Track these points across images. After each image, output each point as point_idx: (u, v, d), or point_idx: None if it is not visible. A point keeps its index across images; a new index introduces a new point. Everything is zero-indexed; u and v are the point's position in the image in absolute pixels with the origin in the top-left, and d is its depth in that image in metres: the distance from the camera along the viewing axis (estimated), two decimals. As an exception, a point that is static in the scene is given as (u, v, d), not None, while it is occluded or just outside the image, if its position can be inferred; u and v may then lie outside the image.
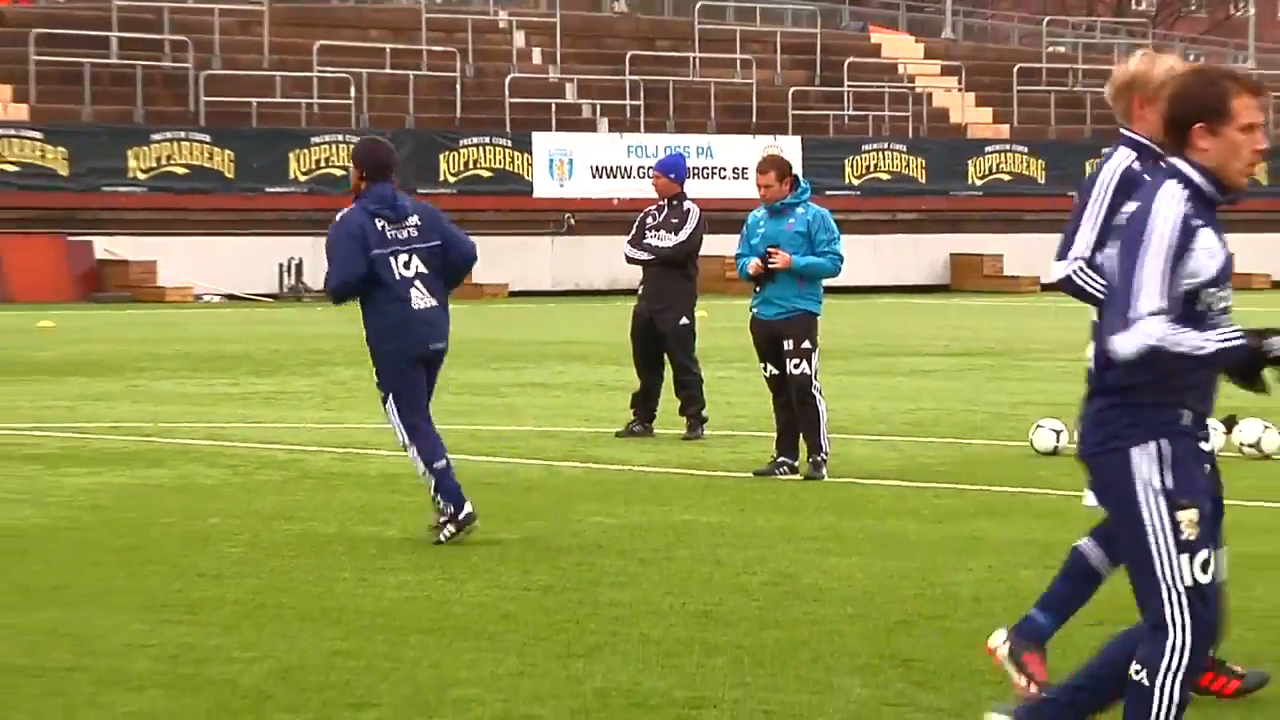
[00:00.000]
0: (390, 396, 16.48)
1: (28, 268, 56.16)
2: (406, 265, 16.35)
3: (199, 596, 14.07)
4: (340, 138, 63.11)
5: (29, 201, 57.29)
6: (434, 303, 16.45)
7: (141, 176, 59.87)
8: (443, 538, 16.21)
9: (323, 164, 62.63)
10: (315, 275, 59.87)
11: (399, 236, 16.36)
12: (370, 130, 63.29)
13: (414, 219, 16.46)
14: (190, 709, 10.82)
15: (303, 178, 62.23)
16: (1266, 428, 21.35)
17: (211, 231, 59.43)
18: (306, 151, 62.50)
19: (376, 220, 16.29)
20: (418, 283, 16.38)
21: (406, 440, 16.50)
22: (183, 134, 61.48)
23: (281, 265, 59.81)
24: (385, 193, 16.45)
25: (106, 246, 57.67)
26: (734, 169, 60.35)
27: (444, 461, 16.42)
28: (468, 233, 17.21)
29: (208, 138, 61.99)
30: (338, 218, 16.69)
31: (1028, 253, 67.81)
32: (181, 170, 60.71)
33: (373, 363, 16.59)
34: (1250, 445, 21.27)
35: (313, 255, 60.13)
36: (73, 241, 57.06)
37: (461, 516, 16.22)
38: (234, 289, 57.89)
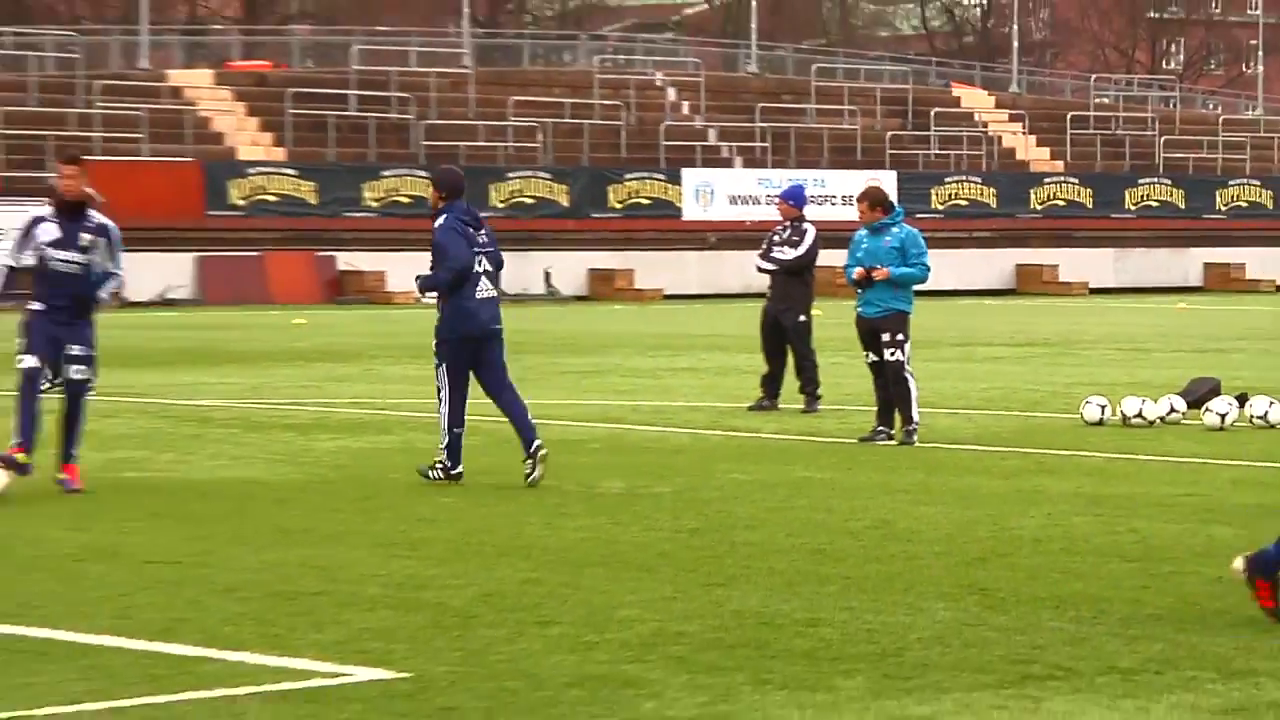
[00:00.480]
0: (443, 365, 16.92)
1: (285, 277, 56.59)
2: (480, 264, 16.97)
3: (419, 536, 14.12)
4: (530, 174, 63.33)
5: (286, 225, 57.68)
6: (494, 294, 17.14)
7: (374, 205, 60.12)
8: (430, 476, 16.70)
9: (515, 194, 62.77)
10: (508, 282, 60.18)
11: (478, 241, 17.04)
12: (553, 167, 63.73)
13: (484, 230, 17.21)
14: (411, 625, 10.84)
15: (500, 205, 62.26)
16: (1272, 403, 21.15)
17: (428, 248, 59.58)
18: (503, 184, 62.64)
19: (463, 226, 16.98)
20: (484, 279, 17.01)
21: (445, 398, 16.84)
22: (406, 171, 61.71)
23: (483, 274, 59.95)
24: (468, 208, 17.26)
25: (346, 260, 58.02)
26: (843, 197, 60.01)
27: (461, 429, 16.82)
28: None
29: (426, 174, 62.19)
30: (436, 225, 17.18)
31: (1077, 263, 67.87)
32: (405, 199, 60.92)
33: (435, 337, 17.05)
34: (1259, 418, 21.06)
35: (511, 266, 60.35)
36: (320, 256, 57.42)
37: (454, 472, 16.74)
38: (446, 293, 58.04)
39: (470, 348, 16.90)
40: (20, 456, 15.44)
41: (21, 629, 10.75)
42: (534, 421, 16.89)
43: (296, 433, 21.09)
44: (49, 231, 15.70)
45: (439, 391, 16.93)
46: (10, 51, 64.33)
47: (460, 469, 16.76)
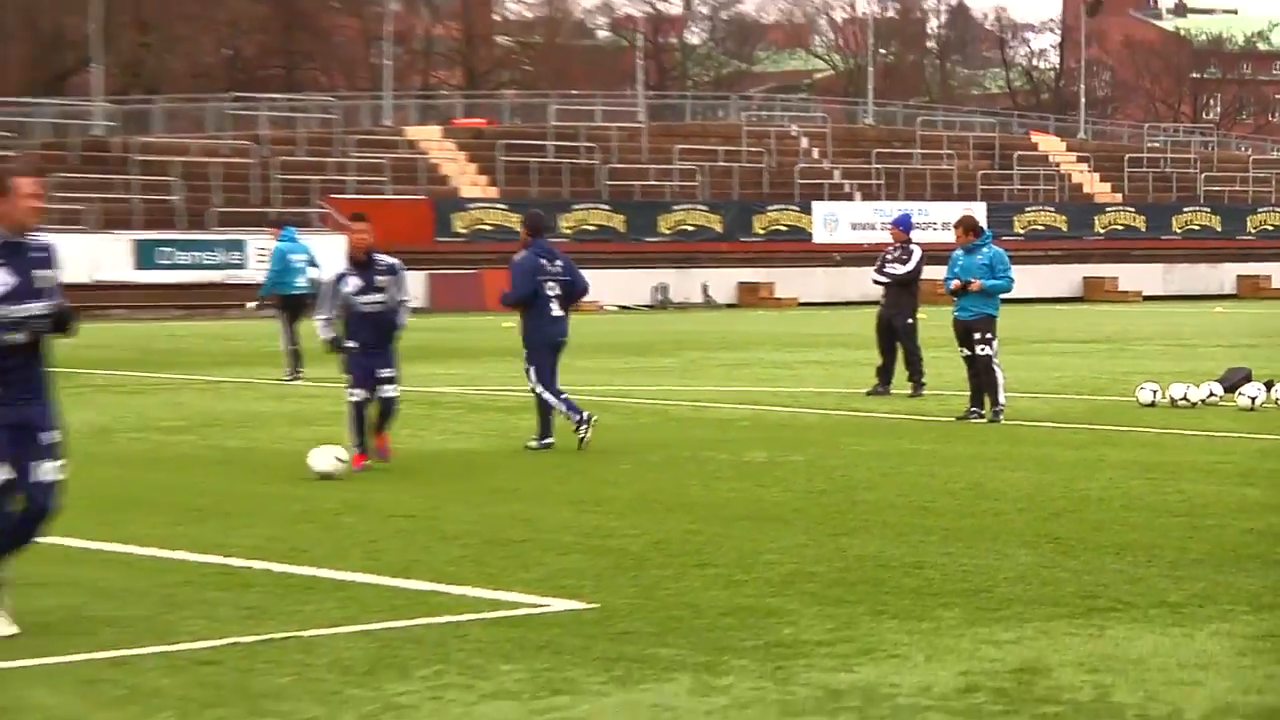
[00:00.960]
0: (533, 367, 17.29)
1: (498, 290, 56.30)
2: (551, 289, 17.40)
3: (603, 495, 14.14)
4: (690, 206, 63.45)
5: (498, 248, 56.76)
6: (563, 313, 17.53)
7: (567, 231, 60.23)
8: (585, 435, 17.10)
9: (679, 223, 62.88)
10: (675, 294, 60.24)
11: (550, 270, 17.47)
12: (709, 201, 63.82)
13: (559, 262, 17.65)
14: (597, 566, 10.86)
15: (667, 231, 62.46)
16: (1297, 388, 20.97)
17: (610, 266, 59.78)
18: (669, 214, 62.79)
19: (541, 260, 17.42)
20: (554, 300, 17.39)
21: (545, 389, 17.20)
22: (591, 205, 61.94)
23: (653, 287, 60.02)
24: (546, 244, 17.84)
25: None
26: (941, 223, 59.56)
27: (567, 398, 17.41)
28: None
29: (608, 207, 62.41)
30: (516, 257, 17.69)
31: (1133, 276, 67.30)
32: (591, 227, 61.14)
33: (524, 345, 17.37)
34: (1284, 400, 20.85)
35: (675, 280, 60.60)
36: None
37: (585, 416, 17.16)
38: (623, 302, 58.13)
39: (541, 355, 17.37)
40: (366, 462, 15.68)
41: (293, 568, 10.87)
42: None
43: (506, 413, 21.16)
44: (352, 284, 15.68)
45: (537, 386, 17.24)
46: (284, 113, 65.05)
47: (585, 413, 17.28)
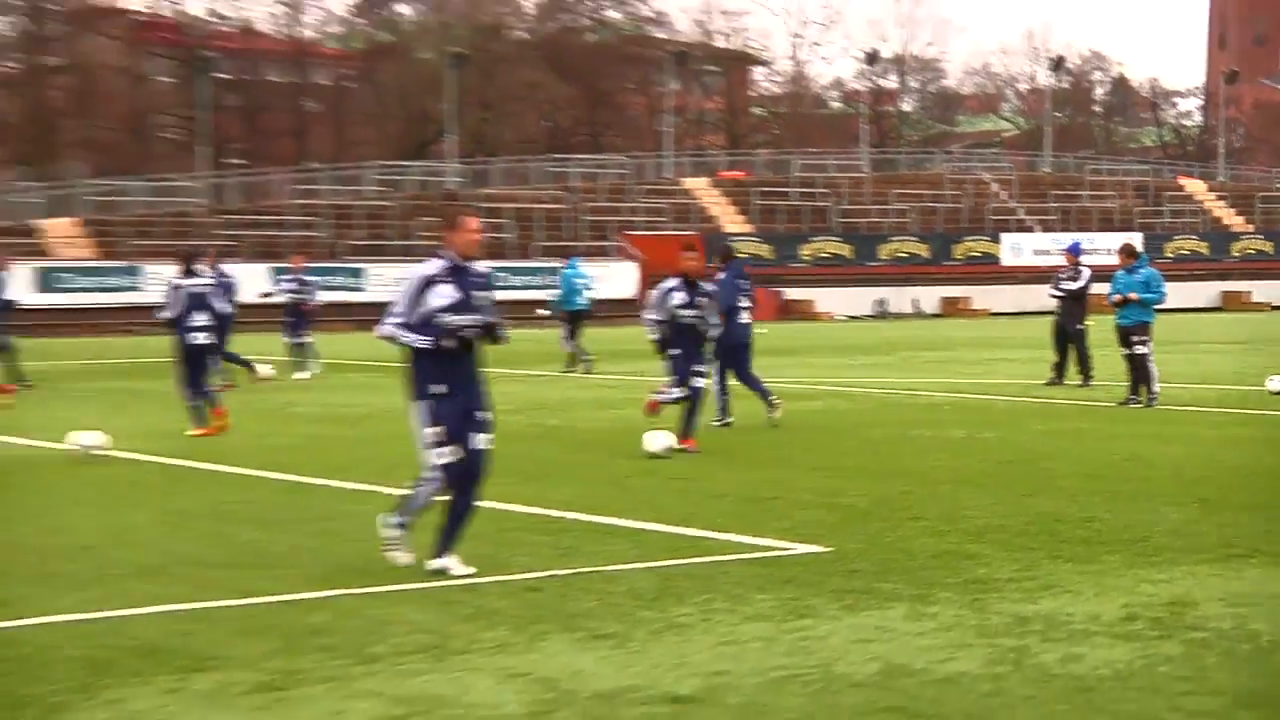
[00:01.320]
0: (720, 367, 17.18)
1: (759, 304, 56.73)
2: (743, 301, 17.52)
3: (836, 463, 14.02)
4: (904, 238, 62.90)
5: (755, 271, 57.01)
6: (750, 320, 17.64)
7: (806, 258, 60.13)
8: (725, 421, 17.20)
9: (895, 251, 62.38)
10: (892, 306, 59.65)
11: (743, 289, 17.56)
12: (919, 233, 63.20)
13: (747, 282, 17.72)
14: (832, 519, 10.76)
15: (885, 257, 61.97)
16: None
17: (840, 284, 59.61)
18: (888, 244, 62.33)
19: (737, 280, 17.54)
20: (745, 311, 17.51)
21: (719, 389, 17.22)
22: (825, 238, 61.70)
23: (875, 301, 59.57)
24: (739, 267, 17.98)
25: (788, 295, 57.97)
26: (1106, 249, 58.33)
27: (728, 395, 17.38)
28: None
29: (839, 238, 62.09)
30: (719, 278, 17.23)
31: (1264, 290, 65.38)
32: (826, 255, 60.90)
33: (716, 344, 16.09)
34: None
35: (892, 295, 60.01)
36: (774, 290, 57.34)
37: (726, 421, 17.30)
38: (851, 313, 57.80)
39: (735, 351, 17.32)
40: (692, 446, 14.97)
41: (597, 518, 10.95)
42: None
43: (753, 400, 21.07)
44: (678, 298, 15.18)
45: (714, 382, 16.95)
46: (589, 169, 65.79)
47: (730, 419, 17.35)
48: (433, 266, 8.86)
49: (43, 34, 69.79)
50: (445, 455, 8.77)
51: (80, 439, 14.65)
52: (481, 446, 8.85)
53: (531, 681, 6.59)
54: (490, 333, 8.84)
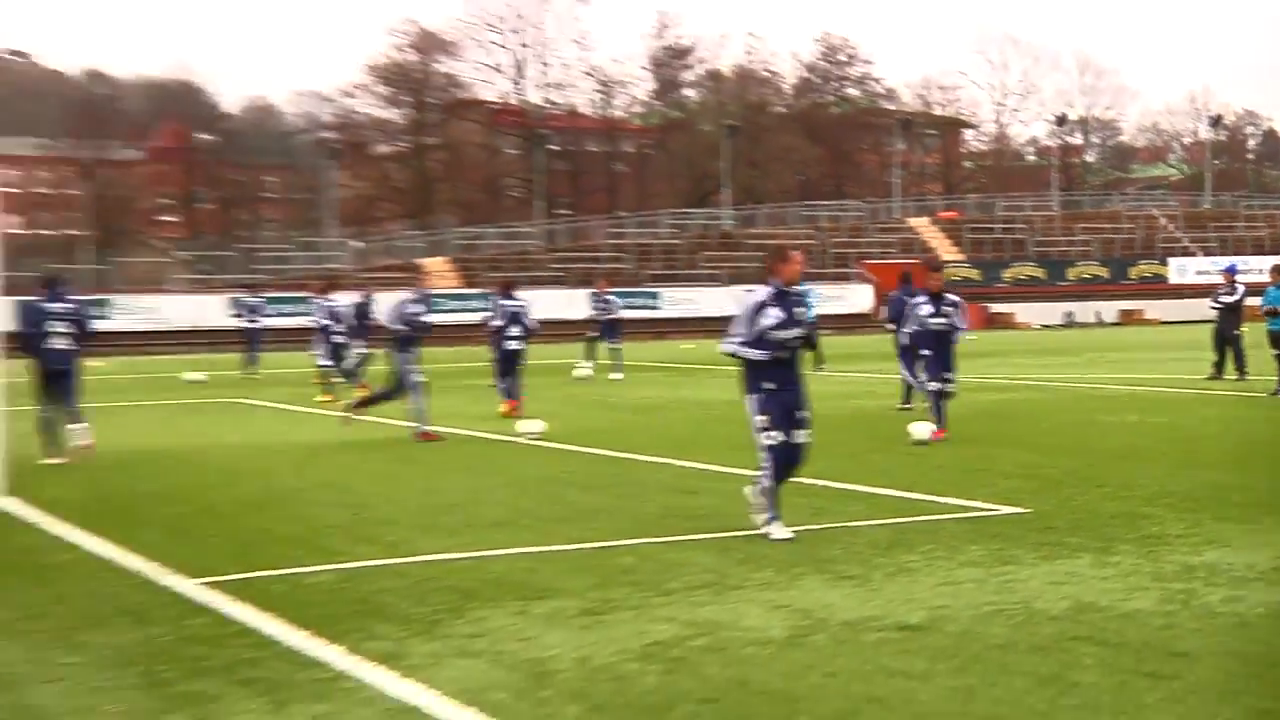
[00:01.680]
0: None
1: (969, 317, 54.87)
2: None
3: (1034, 441, 13.43)
4: (1088, 263, 60.52)
5: (967, 291, 54.65)
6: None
7: (1007, 279, 58.09)
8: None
9: (1080, 273, 59.96)
10: (1078, 317, 57.34)
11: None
12: (1100, 258, 60.75)
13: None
14: (1030, 486, 10.39)
15: (1072, 278, 59.55)
16: None
17: (1035, 300, 57.57)
18: (1074, 268, 59.97)
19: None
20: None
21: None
22: (1021, 264, 59.76)
23: (1064, 313, 57.23)
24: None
25: (993, 309, 56.04)
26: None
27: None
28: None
29: (1034, 264, 60.01)
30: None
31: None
32: (1024, 277, 58.76)
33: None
34: None
35: (1078, 308, 57.63)
36: (983, 305, 54.94)
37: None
38: (1045, 323, 55.57)
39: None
40: (943, 435, 13.71)
41: (837, 484, 10.72)
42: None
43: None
44: (925, 309, 14.23)
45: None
46: (834, 213, 65.11)
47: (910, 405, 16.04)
48: (763, 293, 8.90)
49: (425, 120, 73.27)
50: (772, 438, 8.61)
51: (525, 427, 14.75)
52: (801, 441, 8.57)
53: (791, 611, 6.58)
54: (809, 342, 8.81)
